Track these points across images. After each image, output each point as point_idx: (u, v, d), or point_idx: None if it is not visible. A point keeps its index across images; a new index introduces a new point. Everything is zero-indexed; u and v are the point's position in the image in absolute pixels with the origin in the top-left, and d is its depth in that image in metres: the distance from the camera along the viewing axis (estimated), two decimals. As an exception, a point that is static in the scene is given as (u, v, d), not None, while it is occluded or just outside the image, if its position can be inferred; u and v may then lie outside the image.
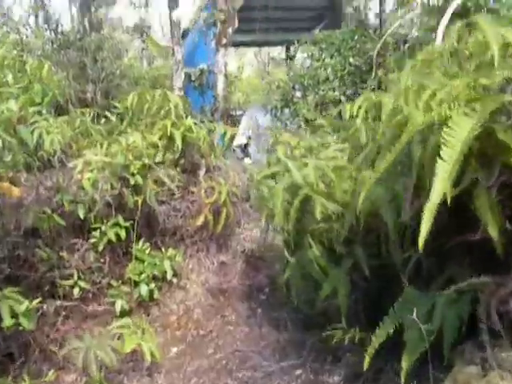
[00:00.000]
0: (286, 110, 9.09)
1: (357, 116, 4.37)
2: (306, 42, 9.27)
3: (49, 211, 4.76)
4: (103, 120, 9.09)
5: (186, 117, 5.59)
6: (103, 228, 4.62)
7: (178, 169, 5.42)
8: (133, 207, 4.68)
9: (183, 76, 7.84)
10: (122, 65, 14.55)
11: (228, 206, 5.17)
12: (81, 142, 7.58)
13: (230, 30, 7.69)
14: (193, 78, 8.24)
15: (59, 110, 10.84)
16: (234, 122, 11.86)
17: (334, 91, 8.83)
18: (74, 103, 12.21)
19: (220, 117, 7.95)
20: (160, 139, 5.20)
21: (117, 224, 4.62)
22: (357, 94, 8.92)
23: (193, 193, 5.31)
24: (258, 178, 4.33)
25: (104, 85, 13.39)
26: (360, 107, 4.31)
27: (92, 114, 8.76)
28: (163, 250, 4.96)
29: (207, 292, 5.20)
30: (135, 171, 4.52)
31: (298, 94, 9.09)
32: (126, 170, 4.54)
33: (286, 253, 3.92)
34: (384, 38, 7.41)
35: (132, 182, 4.54)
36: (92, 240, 4.63)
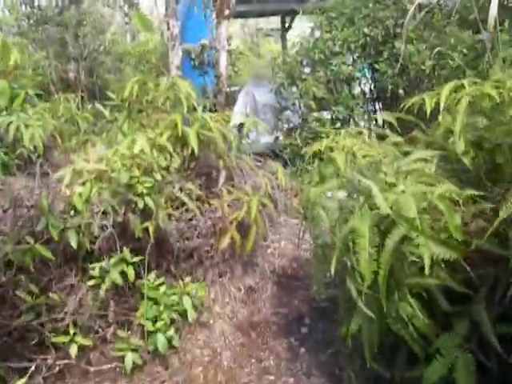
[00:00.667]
0: (294, 88, 7.75)
1: (443, 111, 3.09)
2: (312, 12, 7.88)
3: (31, 240, 3.45)
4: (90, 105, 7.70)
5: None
6: (104, 265, 3.31)
7: (191, 174, 4.12)
8: (142, 236, 3.37)
9: (180, 53, 6.42)
10: (105, 40, 13.02)
11: (258, 221, 3.89)
12: (65, 134, 6.25)
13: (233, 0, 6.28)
14: (192, 56, 6.82)
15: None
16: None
17: (347, 66, 7.50)
18: (55, 83, 10.72)
19: (225, 100, 6.58)
20: (168, 139, 3.87)
21: (122, 260, 3.31)
22: (372, 68, 7.61)
23: (211, 205, 4.00)
24: (310, 194, 3.06)
25: (87, 63, 11.90)
26: (448, 99, 3.03)
27: (76, 100, 7.40)
28: (180, 282, 3.68)
29: (236, 328, 3.94)
30: (145, 191, 3.21)
31: (307, 69, 7.74)
32: (132, 189, 3.22)
33: (360, 303, 2.66)
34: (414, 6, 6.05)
35: (140, 204, 3.23)
36: (91, 282, 3.31)
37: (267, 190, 4.07)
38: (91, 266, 3.30)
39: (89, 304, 3.38)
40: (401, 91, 7.48)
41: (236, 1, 7.27)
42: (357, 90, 8.04)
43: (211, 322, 3.93)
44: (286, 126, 8.49)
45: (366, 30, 7.24)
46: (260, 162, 5.13)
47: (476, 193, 2.50)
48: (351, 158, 3.06)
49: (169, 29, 6.42)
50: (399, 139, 3.28)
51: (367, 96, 8.12)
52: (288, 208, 4.95)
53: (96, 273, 3.28)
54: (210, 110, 6.55)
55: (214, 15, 6.55)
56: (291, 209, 5.02)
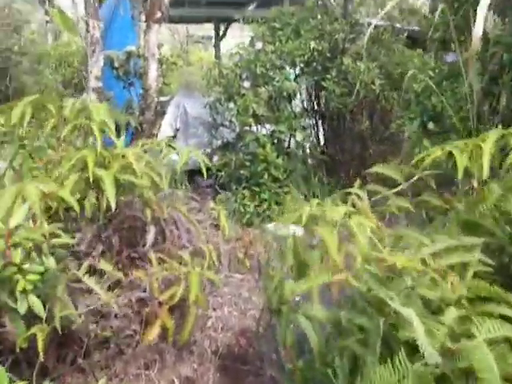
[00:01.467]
0: (231, 104, 6.58)
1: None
2: (253, 21, 6.72)
3: None
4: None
5: (118, 137, 3.02)
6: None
7: (108, 230, 2.86)
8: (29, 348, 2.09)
9: (102, 61, 5.09)
10: (20, 39, 11.34)
11: (200, 299, 2.69)
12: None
13: (166, 0, 5.03)
14: (116, 65, 5.48)
15: None
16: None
17: (291, 82, 6.43)
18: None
19: (154, 117, 5.32)
20: (75, 185, 2.60)
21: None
22: (318, 85, 6.58)
23: (133, 281, 2.75)
24: (286, 291, 1.92)
25: (-1, 63, 10.30)
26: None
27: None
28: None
29: None
30: (28, 287, 1.93)
31: (246, 84, 6.59)
32: (7, 285, 1.93)
33: None
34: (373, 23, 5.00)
35: (22, 309, 1.94)
36: None
37: (211, 257, 2.88)
38: None
39: None
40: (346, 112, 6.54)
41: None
42: (298, 108, 7.01)
43: None
44: (219, 142, 7.32)
45: (313, 44, 6.19)
46: (197, 201, 3.94)
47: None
48: (347, 239, 1.95)
49: (88, 31, 5.07)
50: (405, 204, 2.19)
51: (310, 115, 7.11)
52: (231, 259, 3.78)
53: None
54: (136, 129, 5.26)
55: (142, 18, 5.27)
56: (234, 259, 3.86)
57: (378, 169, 2.33)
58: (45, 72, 11.40)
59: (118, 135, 3.26)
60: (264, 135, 6.43)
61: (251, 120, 6.42)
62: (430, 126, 4.74)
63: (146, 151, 3.51)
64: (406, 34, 6.91)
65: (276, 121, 6.47)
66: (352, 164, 6.82)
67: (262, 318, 2.34)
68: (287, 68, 6.54)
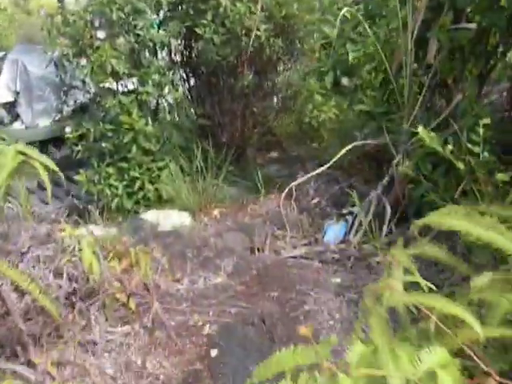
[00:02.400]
0: (83, 60, 4.86)
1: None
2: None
3: None
4: None
5: None
6: None
7: None
8: None
9: None
10: None
11: None
12: None
13: None
14: None
15: None
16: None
17: (158, 29, 4.88)
18: None
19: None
20: None
21: None
22: (191, 32, 5.08)
23: None
24: None
25: None
26: None
27: None
28: None
29: None
30: None
31: (101, 34, 4.88)
32: None
33: None
34: None
35: None
36: None
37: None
38: None
39: None
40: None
41: None
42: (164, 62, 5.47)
43: None
44: (71, 108, 5.60)
45: (181, -20, 4.67)
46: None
47: None
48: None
49: None
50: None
51: (181, 69, 5.62)
52: (107, 305, 2.33)
53: None
54: None
55: None
56: (113, 302, 2.40)
57: (433, 220, 1.02)
58: None
59: None
60: (127, 96, 4.84)
61: (110, 79, 4.83)
62: (345, 81, 3.57)
63: None
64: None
65: (141, 79, 4.91)
66: (235, 126, 5.54)
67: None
68: (150, 12, 4.95)
